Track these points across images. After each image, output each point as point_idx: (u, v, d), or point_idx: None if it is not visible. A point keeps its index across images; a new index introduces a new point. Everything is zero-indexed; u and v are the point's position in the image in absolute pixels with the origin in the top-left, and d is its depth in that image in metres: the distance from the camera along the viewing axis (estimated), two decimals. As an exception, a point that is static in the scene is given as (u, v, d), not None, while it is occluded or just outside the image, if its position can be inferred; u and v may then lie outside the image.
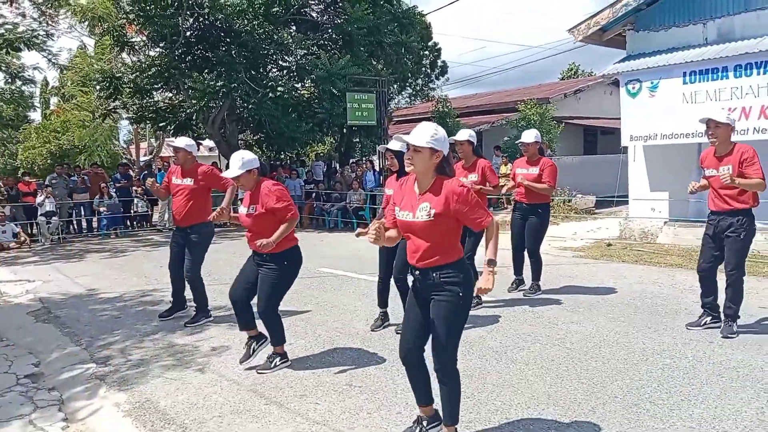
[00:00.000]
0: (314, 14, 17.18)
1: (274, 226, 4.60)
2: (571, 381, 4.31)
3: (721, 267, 5.23)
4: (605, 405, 3.88)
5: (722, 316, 5.24)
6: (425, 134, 3.14)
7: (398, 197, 3.38)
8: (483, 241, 3.29)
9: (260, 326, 4.89)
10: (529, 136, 6.76)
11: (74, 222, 15.45)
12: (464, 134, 6.26)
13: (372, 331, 5.77)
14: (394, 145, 5.24)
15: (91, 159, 23.78)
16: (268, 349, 4.93)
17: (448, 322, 3.20)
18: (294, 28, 16.73)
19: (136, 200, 15.71)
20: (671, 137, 9.64)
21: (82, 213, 15.44)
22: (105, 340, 5.84)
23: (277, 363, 4.81)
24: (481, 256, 6.33)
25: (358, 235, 3.66)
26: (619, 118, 10.76)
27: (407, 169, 3.26)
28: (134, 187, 15.96)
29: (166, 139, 30.32)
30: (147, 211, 16.09)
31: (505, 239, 5.74)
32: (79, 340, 5.91)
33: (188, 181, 6.18)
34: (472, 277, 3.30)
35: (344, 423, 3.79)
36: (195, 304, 6.36)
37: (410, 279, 3.47)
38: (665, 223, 10.41)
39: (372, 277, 8.05)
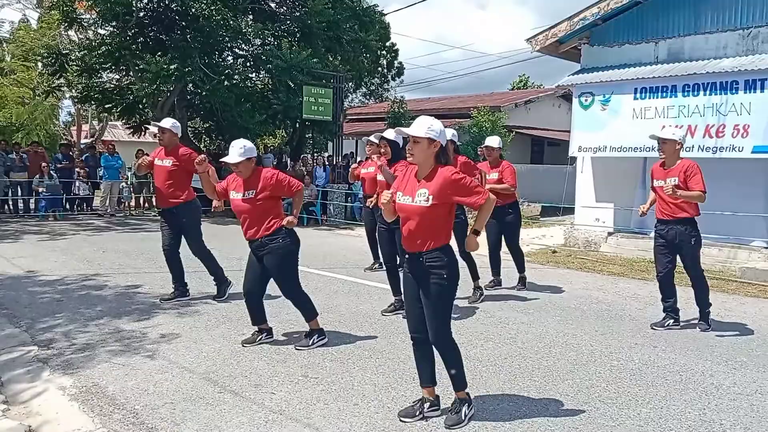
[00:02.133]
0: (273, 4, 16.98)
1: (273, 211, 4.82)
2: (523, 378, 4.41)
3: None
4: (557, 402, 3.98)
5: (684, 317, 5.80)
6: (423, 126, 3.46)
7: (400, 183, 3.65)
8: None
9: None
10: (495, 141, 7.14)
11: (10, 202, 14.78)
12: (447, 135, 6.35)
13: (383, 314, 6.11)
14: (389, 134, 5.69)
15: (30, 138, 22.78)
16: (301, 326, 5.21)
17: (436, 303, 3.50)
18: (251, 17, 16.48)
19: (78, 183, 15.14)
20: (620, 150, 9.98)
21: (20, 192, 14.78)
22: (47, 323, 5.61)
23: (315, 340, 5.02)
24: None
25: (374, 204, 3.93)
26: (566, 131, 11.07)
27: (409, 159, 3.55)
28: (77, 169, 15.38)
29: (109, 123, 29.52)
30: (88, 194, 15.54)
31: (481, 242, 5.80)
32: (18, 321, 5.66)
33: (167, 162, 6.24)
34: (456, 261, 3.57)
35: (301, 413, 3.76)
36: (213, 278, 6.55)
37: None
38: (609, 233, 10.75)
39: (324, 272, 8.05)
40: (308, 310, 5.07)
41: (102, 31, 15.61)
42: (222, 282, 6.59)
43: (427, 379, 3.73)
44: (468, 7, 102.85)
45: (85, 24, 15.40)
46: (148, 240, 10.74)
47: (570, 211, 11.91)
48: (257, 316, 5.11)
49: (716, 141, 8.90)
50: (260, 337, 5.11)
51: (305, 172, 15.75)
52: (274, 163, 18.90)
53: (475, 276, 6.70)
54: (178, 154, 6.23)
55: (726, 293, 7.52)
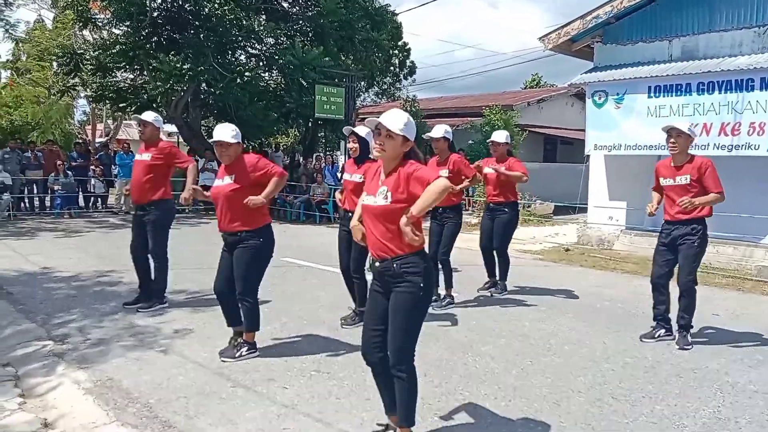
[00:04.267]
0: (285, 4, 17.03)
1: (239, 197, 4.51)
2: (535, 375, 4.39)
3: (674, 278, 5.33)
4: (569, 399, 3.97)
5: (675, 327, 5.24)
6: (400, 121, 3.08)
7: (367, 185, 3.30)
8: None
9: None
10: (501, 136, 6.79)
11: (26, 199, 14.93)
12: (440, 131, 6.30)
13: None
14: (361, 130, 5.26)
15: (45, 136, 23.02)
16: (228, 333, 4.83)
17: (407, 315, 3.08)
18: (264, 16, 16.55)
19: (93, 181, 15.27)
20: (634, 148, 9.92)
21: (35, 190, 14.93)
22: (62, 318, 5.67)
23: (243, 353, 4.65)
24: (454, 255, 6.45)
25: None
26: (579, 130, 11.02)
27: (375, 154, 3.15)
28: (92, 167, 15.52)
29: (123, 122, 29.75)
30: (104, 192, 15.68)
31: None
32: (34, 317, 5.72)
33: (146, 156, 5.99)
34: (432, 268, 3.24)
35: (314, 407, 3.77)
36: (154, 286, 6.12)
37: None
38: (622, 231, 10.69)
39: (335, 269, 8.05)
40: (252, 320, 4.69)
41: (116, 31, 15.76)
42: (158, 297, 6.12)
43: (394, 405, 3.25)
44: (480, 6, 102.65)
45: (100, 24, 15.56)
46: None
47: (585, 209, 11.85)
48: (231, 316, 4.75)
49: (732, 139, 8.82)
50: (239, 341, 4.73)
51: (316, 171, 15.81)
52: (286, 161, 18.99)
53: (448, 284, 6.35)
54: (159, 148, 5.99)
55: (742, 292, 7.46)
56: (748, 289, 7.59)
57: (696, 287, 5.20)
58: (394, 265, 3.07)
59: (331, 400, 3.88)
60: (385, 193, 3.08)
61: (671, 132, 5.15)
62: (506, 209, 6.75)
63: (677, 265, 5.20)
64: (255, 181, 4.53)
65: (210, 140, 4.63)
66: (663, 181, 5.29)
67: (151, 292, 6.15)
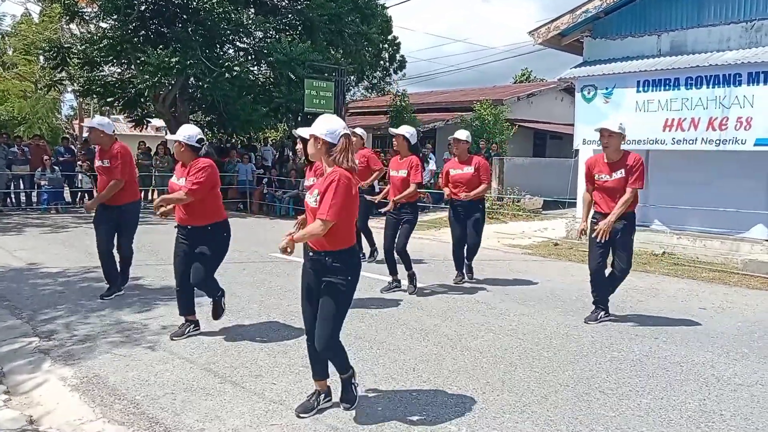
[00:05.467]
0: (275, -2, 16.96)
1: (208, 200, 4.83)
2: (523, 369, 4.41)
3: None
4: (557, 393, 3.98)
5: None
6: (320, 126, 3.39)
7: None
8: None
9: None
10: (462, 134, 6.92)
11: (12, 195, 14.79)
12: (402, 129, 6.61)
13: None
14: (303, 132, 5.40)
15: (31, 131, 22.81)
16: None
17: (334, 306, 3.40)
18: (253, 10, 16.46)
19: (80, 176, 15.16)
20: (623, 143, 9.92)
21: (22, 186, 14.79)
22: (48, 315, 5.62)
23: (190, 330, 5.04)
24: (413, 245, 6.51)
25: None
26: (569, 124, 11.03)
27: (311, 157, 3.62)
28: (79, 162, 15.39)
29: (111, 116, 29.49)
30: (91, 188, 15.56)
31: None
32: (20, 313, 5.67)
33: (106, 162, 6.09)
34: (358, 264, 3.55)
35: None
36: (119, 275, 6.38)
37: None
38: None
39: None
40: (186, 306, 5.08)
41: (103, 25, 15.60)
42: (116, 285, 6.32)
43: (321, 372, 3.67)
44: (471, 0, 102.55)
45: (87, 17, 15.39)
46: (149, 233, 10.69)
47: (574, 204, 11.87)
48: (185, 305, 5.05)
49: (719, 134, 8.86)
50: (189, 328, 5.04)
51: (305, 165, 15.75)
52: (276, 155, 18.91)
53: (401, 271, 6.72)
54: (113, 153, 6.05)
55: (728, 285, 7.51)
56: (734, 283, 7.65)
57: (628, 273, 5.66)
58: (327, 260, 3.41)
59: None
60: (316, 195, 3.38)
61: (603, 132, 5.41)
62: (480, 205, 6.98)
63: (614, 254, 5.59)
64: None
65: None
66: (598, 177, 5.50)
67: (117, 281, 6.38)
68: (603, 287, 5.67)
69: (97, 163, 6.21)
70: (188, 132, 4.86)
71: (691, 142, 8.91)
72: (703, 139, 8.95)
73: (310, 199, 3.42)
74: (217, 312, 5.15)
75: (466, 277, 7.28)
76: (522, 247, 10.35)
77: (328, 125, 3.37)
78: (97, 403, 3.74)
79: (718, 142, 8.87)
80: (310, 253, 3.48)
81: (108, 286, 6.32)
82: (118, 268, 6.38)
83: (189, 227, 4.85)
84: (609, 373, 4.34)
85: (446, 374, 4.28)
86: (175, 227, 4.97)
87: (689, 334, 5.33)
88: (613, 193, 5.39)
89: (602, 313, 5.71)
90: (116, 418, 3.54)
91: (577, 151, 11.26)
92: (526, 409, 3.71)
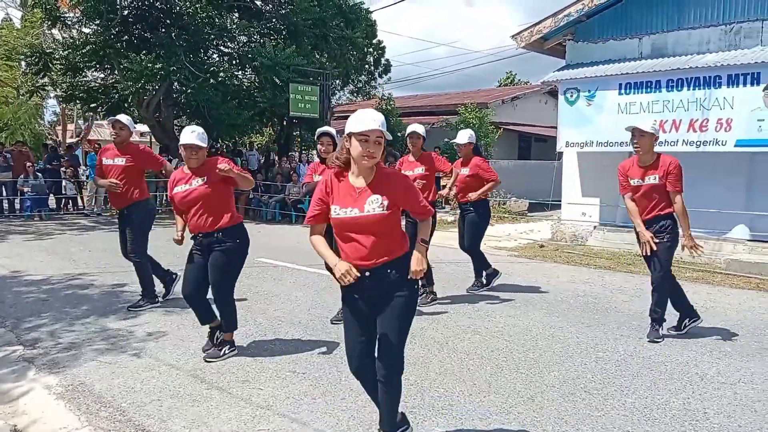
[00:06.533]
0: (258, 2, 16.92)
1: (229, 201, 4.68)
2: (510, 371, 4.43)
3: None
4: (543, 393, 4.01)
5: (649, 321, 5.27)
6: (379, 119, 2.86)
7: (334, 194, 2.98)
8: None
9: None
10: (463, 136, 6.76)
11: (-6, 202, 14.66)
12: (421, 128, 6.38)
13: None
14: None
15: (14, 137, 22.57)
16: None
17: (404, 319, 2.99)
18: (237, 14, 16.43)
19: (64, 182, 15.03)
20: (605, 145, 10.04)
21: (4, 193, 14.64)
22: (32, 323, 5.57)
23: (227, 351, 4.68)
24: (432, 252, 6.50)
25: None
26: (553, 127, 11.11)
27: (372, 161, 2.87)
28: (63, 168, 15.27)
29: (95, 122, 29.27)
30: (75, 194, 15.44)
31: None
32: (3, 321, 5.62)
33: (121, 161, 5.95)
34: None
35: (288, 408, 3.76)
36: (142, 287, 6.15)
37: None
38: (595, 227, 10.83)
39: (312, 269, 8.03)
40: (232, 322, 4.73)
41: (86, 30, 15.50)
42: (148, 297, 6.15)
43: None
44: (455, 4, 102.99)
45: (69, 22, 15.29)
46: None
47: (558, 206, 11.97)
48: (202, 314, 4.71)
49: (700, 135, 8.98)
50: (217, 335, 4.72)
51: (291, 170, 15.74)
52: (261, 160, 18.87)
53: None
54: (133, 152, 6.00)
55: (711, 285, 7.60)
56: (717, 283, 7.74)
57: (667, 283, 5.18)
58: (390, 272, 2.95)
59: (306, 401, 3.87)
60: (380, 202, 2.89)
61: (634, 132, 5.03)
62: (472, 207, 6.78)
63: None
64: (223, 179, 4.55)
65: (182, 142, 4.54)
66: (633, 182, 5.14)
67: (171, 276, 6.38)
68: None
69: (109, 162, 5.98)
70: (200, 133, 4.58)
71: (672, 143, 9.02)
72: (684, 140, 9.07)
73: (370, 207, 2.88)
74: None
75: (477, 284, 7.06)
76: (508, 249, 10.41)
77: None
78: (83, 410, 3.72)
79: (698, 143, 8.99)
80: (367, 273, 2.91)
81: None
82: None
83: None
84: (594, 374, 4.38)
85: (433, 376, 4.29)
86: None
87: (673, 334, 5.38)
88: (646, 199, 5.05)
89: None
90: (102, 426, 3.52)
91: (560, 153, 11.36)
92: (513, 410, 3.74)
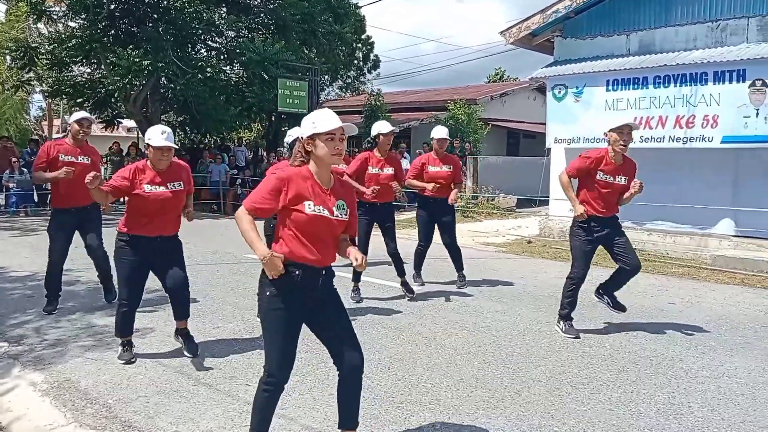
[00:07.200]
0: (247, -4, 16.86)
1: (182, 203, 4.63)
2: (497, 365, 4.45)
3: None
4: (530, 388, 4.03)
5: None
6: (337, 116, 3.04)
7: (304, 192, 2.91)
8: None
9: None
10: (442, 131, 6.69)
11: (-22, 198, 14.50)
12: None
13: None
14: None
15: (-1, 133, 22.35)
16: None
17: (346, 314, 3.11)
18: (225, 9, 16.34)
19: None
20: (593, 141, 10.07)
21: (-12, 188, 14.49)
22: (17, 319, 5.53)
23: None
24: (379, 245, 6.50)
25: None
26: (542, 123, 11.15)
27: (341, 158, 3.03)
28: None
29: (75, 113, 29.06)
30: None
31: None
32: (-13, 318, 5.57)
33: (86, 160, 5.79)
34: None
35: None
36: (101, 280, 6.19)
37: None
38: (583, 223, 10.86)
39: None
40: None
41: (72, 24, 15.35)
42: (109, 289, 6.12)
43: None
44: (444, 1, 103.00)
45: (55, 16, 15.12)
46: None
47: (546, 202, 12.02)
48: (131, 326, 4.59)
49: (686, 131, 9.04)
50: (189, 334, 4.70)
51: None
52: (249, 156, 18.80)
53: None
54: (92, 151, 5.95)
55: (697, 280, 7.67)
56: (703, 278, 7.81)
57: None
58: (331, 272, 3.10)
59: (293, 396, 3.87)
60: (344, 207, 2.98)
61: (625, 129, 5.05)
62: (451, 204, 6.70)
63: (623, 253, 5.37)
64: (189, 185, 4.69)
65: (156, 145, 4.33)
66: (606, 178, 5.12)
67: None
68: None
69: (69, 158, 5.67)
70: (169, 131, 4.45)
71: (659, 140, 9.08)
72: (670, 137, 9.13)
73: (339, 213, 2.93)
74: None
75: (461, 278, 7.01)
76: (496, 245, 10.45)
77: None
78: (69, 407, 3.69)
79: (685, 139, 9.06)
80: (323, 272, 3.00)
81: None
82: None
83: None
84: (581, 368, 4.41)
85: (421, 372, 4.30)
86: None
87: (659, 329, 5.43)
88: (610, 197, 5.15)
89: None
90: (88, 423, 3.50)
91: (549, 149, 11.40)
92: (500, 405, 3.76)
